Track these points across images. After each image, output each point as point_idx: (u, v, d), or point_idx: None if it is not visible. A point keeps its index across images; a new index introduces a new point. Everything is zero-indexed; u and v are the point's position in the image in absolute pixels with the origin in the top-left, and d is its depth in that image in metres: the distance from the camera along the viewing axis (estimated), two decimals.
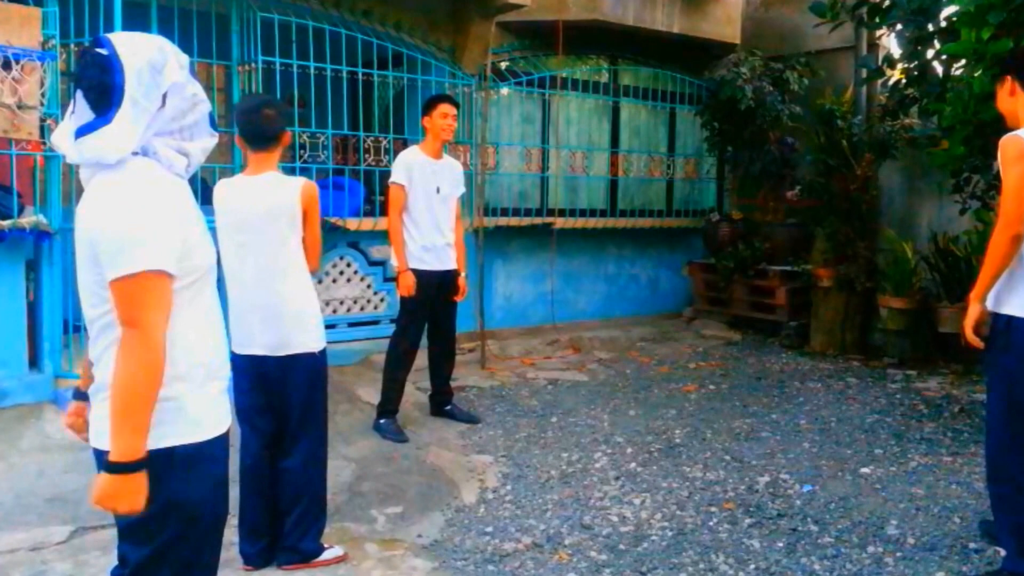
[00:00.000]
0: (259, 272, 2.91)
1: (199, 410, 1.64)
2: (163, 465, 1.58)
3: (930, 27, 4.72)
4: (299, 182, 2.94)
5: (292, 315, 2.89)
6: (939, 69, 4.89)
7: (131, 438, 1.51)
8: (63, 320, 4.57)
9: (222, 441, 1.71)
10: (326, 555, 3.01)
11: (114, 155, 1.54)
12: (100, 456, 1.66)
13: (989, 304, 2.96)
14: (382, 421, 4.48)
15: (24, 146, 4.27)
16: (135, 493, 1.52)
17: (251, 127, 2.92)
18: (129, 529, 1.66)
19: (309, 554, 2.98)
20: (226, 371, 1.76)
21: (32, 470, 3.74)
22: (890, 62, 5.23)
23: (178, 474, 1.60)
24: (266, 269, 2.90)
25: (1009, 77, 2.99)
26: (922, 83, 4.90)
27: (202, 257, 1.65)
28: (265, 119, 2.89)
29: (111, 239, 1.52)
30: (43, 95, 4.30)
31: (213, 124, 1.71)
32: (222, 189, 3.03)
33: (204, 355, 1.66)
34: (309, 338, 2.90)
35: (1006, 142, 2.89)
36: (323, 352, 2.95)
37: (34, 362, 4.54)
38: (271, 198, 2.89)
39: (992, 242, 2.89)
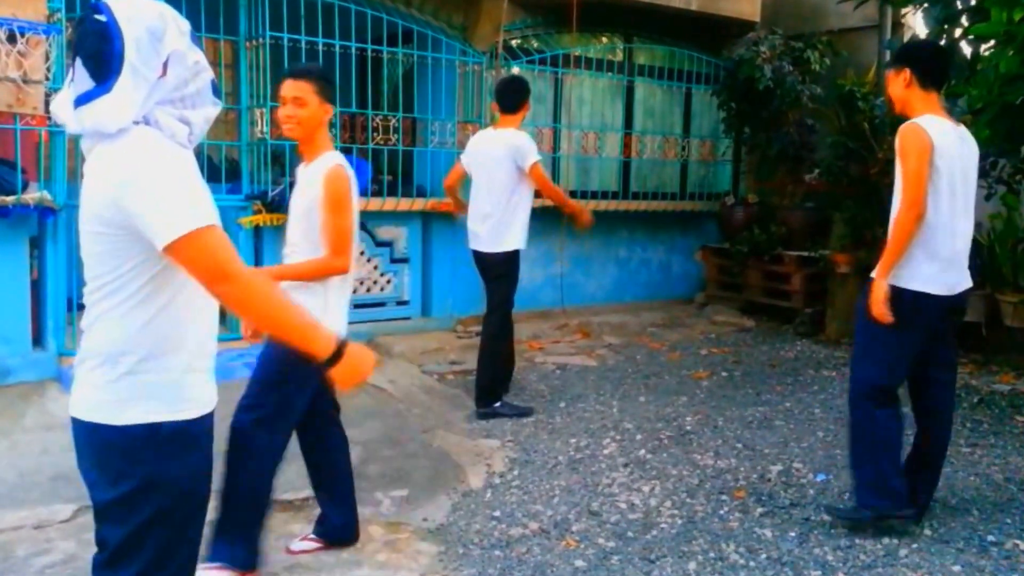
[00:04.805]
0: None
1: (186, 387, 1.61)
2: (147, 441, 1.55)
3: (959, 5, 4.58)
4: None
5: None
6: (967, 50, 4.76)
7: (315, 337, 1.56)
8: (67, 298, 4.54)
9: (207, 420, 1.66)
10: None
11: (114, 124, 1.50)
12: (78, 425, 1.61)
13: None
14: (498, 405, 4.44)
15: (29, 121, 4.23)
16: (361, 361, 1.60)
17: None
18: (107, 509, 1.61)
19: None
20: (213, 348, 1.71)
21: (36, 448, 3.73)
22: None
23: (162, 451, 1.56)
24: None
25: (907, 69, 3.03)
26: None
27: None
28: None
29: (156, 206, 1.47)
30: (48, 69, 4.25)
31: (216, 92, 1.67)
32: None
33: (195, 332, 1.63)
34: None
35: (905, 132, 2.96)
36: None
37: (38, 340, 4.52)
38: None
39: None
